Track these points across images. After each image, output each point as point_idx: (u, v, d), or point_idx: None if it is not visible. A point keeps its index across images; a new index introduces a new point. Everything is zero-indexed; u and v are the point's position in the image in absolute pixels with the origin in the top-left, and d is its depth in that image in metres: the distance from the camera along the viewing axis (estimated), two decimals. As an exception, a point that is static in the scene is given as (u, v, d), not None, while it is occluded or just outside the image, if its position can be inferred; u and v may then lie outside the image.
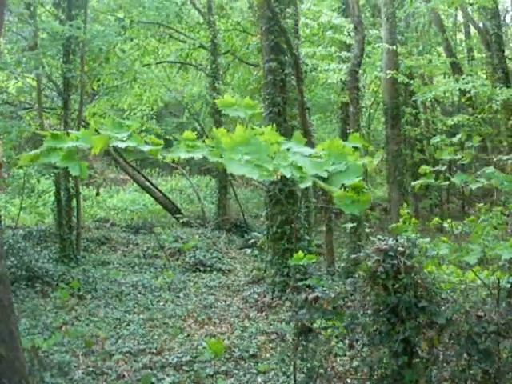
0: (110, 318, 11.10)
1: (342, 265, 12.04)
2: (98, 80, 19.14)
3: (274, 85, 12.09)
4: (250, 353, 9.11)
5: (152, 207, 24.17)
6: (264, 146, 4.21)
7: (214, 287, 13.65)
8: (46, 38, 14.78)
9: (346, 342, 6.15)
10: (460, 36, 28.54)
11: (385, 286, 5.97)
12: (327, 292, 6.00)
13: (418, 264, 6.10)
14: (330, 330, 5.97)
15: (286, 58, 12.13)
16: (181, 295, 12.91)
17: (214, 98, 19.75)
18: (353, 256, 5.83)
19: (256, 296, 12.29)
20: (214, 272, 15.07)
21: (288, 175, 3.80)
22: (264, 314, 11.39)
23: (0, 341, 6.44)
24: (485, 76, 25.44)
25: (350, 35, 20.42)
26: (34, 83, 15.79)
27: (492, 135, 20.77)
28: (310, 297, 5.97)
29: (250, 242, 14.94)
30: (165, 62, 23.39)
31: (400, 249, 6.07)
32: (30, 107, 17.66)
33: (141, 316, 11.29)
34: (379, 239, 6.51)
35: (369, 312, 6.09)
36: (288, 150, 4.32)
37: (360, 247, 12.17)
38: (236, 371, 8.46)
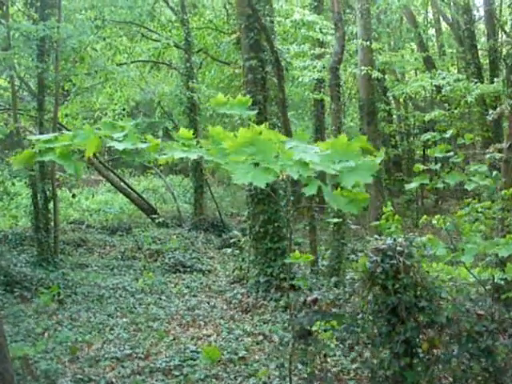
0: (93, 323, 10.88)
1: (326, 263, 11.97)
2: (70, 80, 18.84)
3: (254, 83, 11.96)
4: (239, 355, 8.97)
5: (127, 208, 23.92)
6: (268, 146, 4.06)
7: (196, 288, 13.50)
8: (18, 38, 14.46)
9: (346, 344, 6.06)
10: (431, 32, 28.69)
11: (384, 286, 5.91)
12: (326, 294, 5.90)
13: (416, 263, 6.04)
14: (329, 333, 5.87)
15: (266, 55, 12.02)
16: (163, 297, 12.73)
17: (189, 97, 19.58)
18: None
19: (240, 296, 12.15)
20: (194, 273, 14.92)
21: (295, 176, 3.65)
22: (249, 314, 11.27)
23: (-11, 351, 6.24)
24: (456, 71, 25.67)
25: (322, 32, 20.38)
26: (5, 84, 15.49)
27: (465, 130, 20.90)
28: (309, 299, 5.88)
29: (231, 241, 14.81)
30: (139, 61, 23.12)
31: (399, 248, 6.01)
32: (3, 108, 17.29)
33: (124, 320, 11.09)
34: (376, 239, 6.45)
35: (368, 313, 6.02)
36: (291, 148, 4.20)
37: (344, 245, 12.13)
38: (226, 374, 8.32)
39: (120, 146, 4.68)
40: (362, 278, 5.99)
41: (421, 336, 5.96)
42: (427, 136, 7.82)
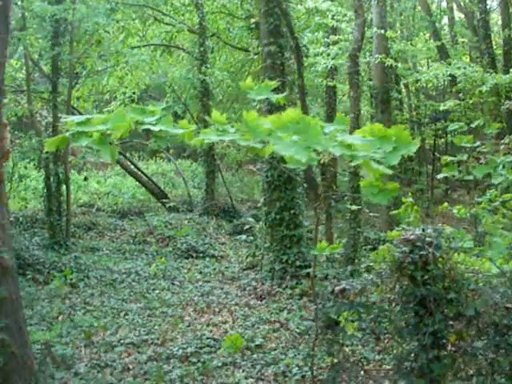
0: (107, 307, 10.84)
1: (341, 252, 11.87)
2: (81, 63, 18.70)
3: (273, 69, 11.84)
4: (256, 343, 8.90)
5: (138, 192, 23.81)
6: (313, 126, 4.04)
7: (209, 274, 13.44)
8: (33, 19, 14.34)
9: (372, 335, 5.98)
10: (444, 21, 28.42)
11: (412, 277, 5.81)
12: (353, 284, 5.81)
13: (445, 255, 5.95)
14: (356, 323, 5.79)
15: (285, 41, 11.88)
16: (176, 283, 12.69)
17: (202, 81, 19.42)
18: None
19: (254, 283, 12.08)
20: (207, 258, 14.86)
21: (338, 153, 3.69)
22: (264, 302, 11.20)
23: (10, 337, 6.19)
24: (468, 60, 25.47)
25: (334, 19, 20.15)
26: (17, 66, 15.37)
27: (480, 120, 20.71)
28: (337, 289, 5.79)
29: (245, 227, 14.72)
30: (152, 44, 22.94)
31: (428, 239, 5.91)
32: (15, 90, 17.16)
33: (138, 305, 11.05)
34: (404, 229, 6.35)
35: (395, 304, 5.94)
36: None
37: (360, 234, 12.03)
38: (244, 362, 8.26)
39: (156, 129, 4.63)
40: (389, 268, 5.89)
41: (448, 328, 5.87)
42: (454, 126, 7.69)
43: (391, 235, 8.54)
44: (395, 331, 5.82)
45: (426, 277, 5.75)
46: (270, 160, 11.89)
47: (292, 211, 11.90)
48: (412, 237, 5.92)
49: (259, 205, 12.96)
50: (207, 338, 9.11)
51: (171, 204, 19.54)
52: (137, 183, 25.35)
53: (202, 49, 19.77)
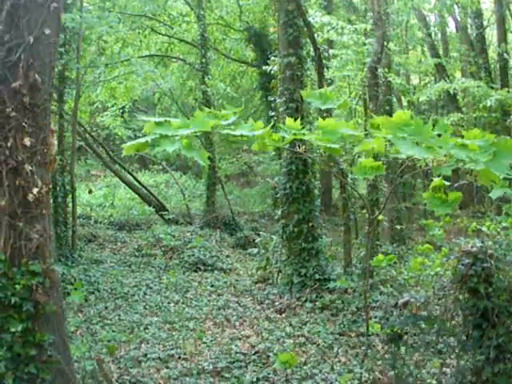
0: (125, 321, 10.62)
1: (360, 265, 11.78)
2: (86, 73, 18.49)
3: (292, 80, 11.74)
4: (286, 358, 8.73)
5: (130, 204, 23.58)
6: (426, 128, 4.00)
7: (220, 287, 13.26)
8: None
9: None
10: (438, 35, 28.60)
11: (475, 289, 5.72)
12: (417, 296, 5.70)
13: (507, 267, 5.87)
14: (420, 336, 5.68)
15: (304, 52, 11.82)
16: (189, 296, 12.49)
17: (204, 92, 19.30)
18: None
19: (272, 297, 11.93)
20: (216, 271, 14.68)
21: (462, 157, 3.71)
22: (284, 315, 11.04)
23: (57, 353, 5.99)
24: (460, 75, 25.66)
25: (337, 32, 20.13)
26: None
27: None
28: (400, 301, 5.68)
29: (256, 240, 14.55)
30: (152, 55, 22.82)
31: (490, 251, 5.83)
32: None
33: (155, 318, 10.84)
34: (463, 241, 6.27)
35: (457, 317, 5.84)
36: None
37: (378, 247, 11.95)
38: (277, 377, 8.10)
39: (237, 133, 4.54)
40: (451, 280, 5.79)
41: None
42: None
43: (421, 249, 8.47)
44: (458, 345, 5.72)
45: (490, 289, 5.67)
46: (287, 172, 11.80)
47: (310, 224, 11.79)
48: (474, 249, 5.83)
49: (276, 217, 12.83)
50: (236, 353, 8.94)
51: (170, 216, 19.33)
52: (129, 195, 25.12)
53: (203, 60, 19.64)
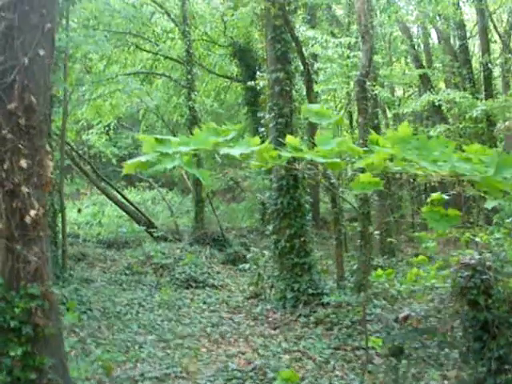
0: (119, 340, 10.51)
1: (352, 278, 11.79)
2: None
3: (280, 95, 11.78)
4: (283, 373, 8.71)
5: (117, 222, 23.51)
6: (432, 142, 4.00)
7: (213, 304, 13.20)
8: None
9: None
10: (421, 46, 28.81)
11: (474, 301, 5.75)
12: (417, 310, 5.71)
13: (506, 278, 5.91)
14: (420, 350, 5.69)
15: (292, 67, 11.87)
16: (182, 313, 12.43)
17: (191, 108, 19.29)
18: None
19: (265, 312, 11.90)
20: (207, 288, 14.61)
21: (465, 172, 3.73)
22: (278, 331, 11.01)
23: (57, 376, 5.94)
24: (444, 86, 25.87)
25: (322, 46, 20.26)
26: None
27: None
28: (401, 316, 5.69)
29: (248, 256, 14.51)
30: (140, 72, 22.79)
31: (488, 263, 5.86)
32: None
33: (150, 337, 10.75)
34: (462, 254, 6.29)
35: (457, 329, 5.86)
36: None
37: (371, 259, 11.97)
38: (276, 394, 8.06)
39: (236, 152, 4.53)
40: (451, 293, 5.81)
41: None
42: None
43: (416, 260, 8.50)
44: (460, 357, 5.73)
45: (490, 301, 5.70)
46: (278, 187, 11.81)
47: (302, 238, 11.80)
48: (472, 261, 5.86)
49: (267, 233, 12.83)
50: (233, 370, 8.89)
51: (159, 233, 19.25)
52: (116, 212, 25.04)
53: (189, 76, 19.65)
